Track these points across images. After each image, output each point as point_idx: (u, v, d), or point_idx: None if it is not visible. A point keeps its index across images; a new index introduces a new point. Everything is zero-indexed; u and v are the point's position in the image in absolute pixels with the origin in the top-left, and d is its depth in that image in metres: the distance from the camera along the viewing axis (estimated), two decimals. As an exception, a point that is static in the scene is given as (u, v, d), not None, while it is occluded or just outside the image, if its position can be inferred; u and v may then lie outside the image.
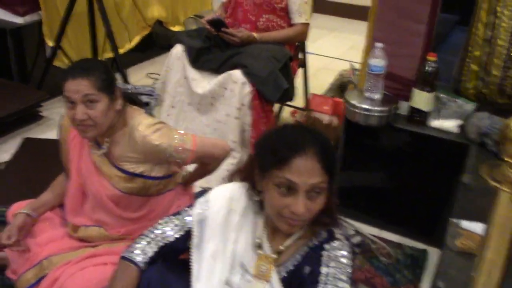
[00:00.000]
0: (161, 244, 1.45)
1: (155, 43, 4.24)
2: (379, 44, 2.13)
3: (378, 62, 2.13)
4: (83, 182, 1.82)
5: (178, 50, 2.68)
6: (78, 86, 1.59)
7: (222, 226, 1.43)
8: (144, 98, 3.15)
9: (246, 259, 1.41)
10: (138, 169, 1.74)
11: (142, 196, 1.79)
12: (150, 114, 1.96)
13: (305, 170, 1.24)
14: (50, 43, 3.24)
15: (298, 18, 2.73)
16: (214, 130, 2.62)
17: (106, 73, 1.68)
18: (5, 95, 3.01)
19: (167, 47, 4.30)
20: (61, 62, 3.32)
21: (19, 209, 1.87)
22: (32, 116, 3.13)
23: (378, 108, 2.14)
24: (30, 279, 1.75)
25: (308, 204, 1.26)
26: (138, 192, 1.77)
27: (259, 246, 1.40)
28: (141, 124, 1.71)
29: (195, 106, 2.67)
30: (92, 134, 1.67)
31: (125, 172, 1.74)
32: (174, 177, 1.89)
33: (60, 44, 3.17)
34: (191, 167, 1.91)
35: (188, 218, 1.46)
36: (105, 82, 1.65)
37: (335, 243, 1.35)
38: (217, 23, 2.63)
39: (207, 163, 1.87)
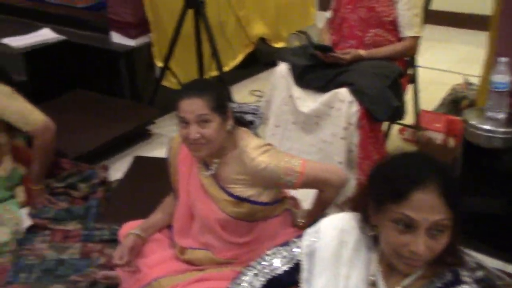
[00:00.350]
0: (268, 276, 1.39)
1: (258, 60, 4.26)
2: (503, 59, 1.94)
3: (502, 78, 1.95)
4: (191, 204, 1.83)
5: (282, 68, 2.64)
6: (193, 106, 1.62)
7: (333, 259, 1.34)
8: (249, 117, 3.18)
9: (359, 297, 1.31)
10: (246, 192, 1.72)
11: (249, 221, 1.77)
12: (255, 133, 1.94)
13: (426, 206, 1.12)
14: (159, 64, 3.36)
15: (407, 32, 2.59)
16: (319, 150, 2.54)
17: (220, 93, 1.72)
18: (119, 114, 3.16)
19: (270, 64, 4.33)
20: (169, 82, 3.43)
21: (129, 230, 1.92)
22: (142, 134, 3.25)
23: (503, 130, 1.96)
24: (140, 300, 1.79)
25: (430, 243, 1.14)
26: (245, 217, 1.75)
27: (373, 284, 1.30)
28: (250, 145, 1.70)
29: (300, 125, 2.61)
30: (205, 153, 1.69)
31: (233, 196, 1.72)
32: (282, 203, 1.85)
33: (168, 64, 3.27)
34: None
35: (296, 250, 1.39)
36: (218, 102, 1.67)
37: None
38: (324, 48, 2.57)
39: (321, 191, 1.79)
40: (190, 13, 3.12)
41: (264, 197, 1.74)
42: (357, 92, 2.38)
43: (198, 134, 1.64)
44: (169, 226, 1.97)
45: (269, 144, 1.75)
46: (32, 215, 2.47)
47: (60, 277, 2.16)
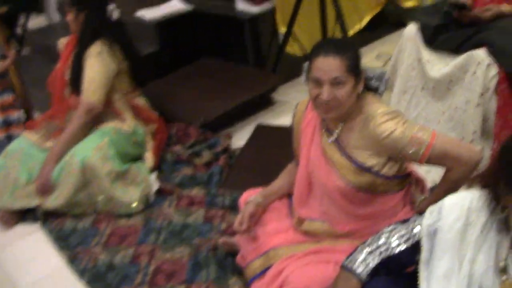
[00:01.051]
0: (384, 255, 1.31)
1: (386, 20, 4.01)
2: None
3: None
4: (311, 171, 1.78)
5: (411, 29, 2.44)
6: (330, 66, 1.55)
7: (457, 241, 1.22)
8: (373, 83, 3.01)
9: (486, 283, 1.18)
10: (370, 161, 1.62)
11: (369, 193, 1.67)
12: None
13: None
14: (282, 30, 3.31)
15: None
16: (451, 118, 2.33)
17: (357, 54, 1.62)
18: (242, 82, 3.18)
19: (399, 25, 4.06)
20: (292, 48, 3.37)
21: (250, 197, 1.93)
22: (265, 101, 3.25)
23: None
24: (257, 268, 1.80)
25: None
26: (365, 187, 1.66)
27: (503, 270, 1.16)
28: (377, 111, 1.60)
29: (429, 91, 2.41)
30: (334, 115, 1.62)
31: (355, 164, 1.64)
32: (405, 180, 1.72)
33: (291, 30, 3.20)
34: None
35: (416, 229, 1.29)
36: (354, 63, 1.58)
37: None
38: (460, 6, 2.31)
39: (449, 170, 1.61)
40: (314, -26, 3.00)
41: (387, 169, 1.63)
42: (497, 53, 2.12)
43: (331, 95, 1.55)
44: (289, 195, 1.95)
45: (398, 111, 1.63)
46: (160, 180, 2.61)
47: (185, 240, 2.27)
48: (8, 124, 2.96)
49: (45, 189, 2.46)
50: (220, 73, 3.34)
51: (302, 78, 3.26)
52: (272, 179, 2.40)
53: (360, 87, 1.63)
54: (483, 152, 1.61)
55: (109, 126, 2.58)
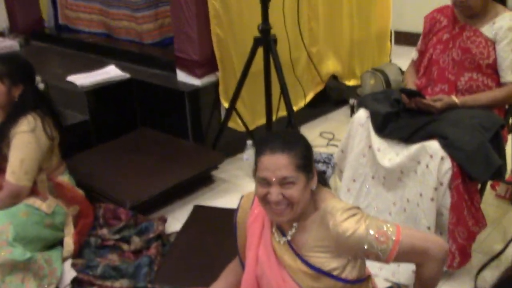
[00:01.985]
0: None
1: (328, 98, 3.98)
2: None
3: None
4: (260, 275, 1.57)
5: (361, 115, 2.35)
6: (277, 165, 1.40)
7: None
8: (320, 166, 2.90)
9: None
10: (328, 265, 1.45)
11: None
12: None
13: None
14: (225, 104, 3.16)
15: (510, 76, 2.23)
16: (403, 210, 2.21)
17: (307, 148, 1.47)
18: (181, 158, 2.95)
19: (341, 103, 4.05)
20: (234, 123, 3.22)
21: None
22: (204, 179, 3.03)
23: None
24: None
25: None
26: None
27: None
28: (334, 208, 1.45)
29: (380, 180, 2.29)
30: (288, 218, 1.45)
31: (312, 268, 1.45)
32: (367, 283, 1.55)
33: (234, 105, 3.06)
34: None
35: None
36: (305, 160, 1.43)
37: None
38: (410, 93, 2.27)
39: (419, 266, 1.50)
40: (260, 50, 2.90)
41: (348, 273, 1.46)
42: (450, 147, 2.04)
43: (280, 195, 1.41)
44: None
45: (356, 208, 1.48)
46: (77, 269, 2.29)
47: None
48: None
49: None
50: (157, 146, 3.11)
51: (244, 155, 3.11)
52: (212, 272, 2.15)
53: (313, 184, 1.49)
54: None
55: (21, 204, 2.26)
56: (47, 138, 2.30)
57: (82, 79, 3.32)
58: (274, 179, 1.41)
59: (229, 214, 2.64)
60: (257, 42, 2.88)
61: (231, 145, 3.26)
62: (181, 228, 2.57)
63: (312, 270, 1.46)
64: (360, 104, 2.40)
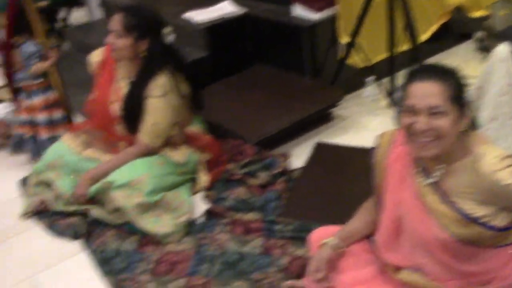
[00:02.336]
0: None
1: (452, 31, 3.72)
2: None
3: None
4: (400, 216, 1.54)
5: (503, 50, 2.17)
6: (427, 93, 1.34)
7: None
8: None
9: None
10: (478, 211, 1.38)
11: (477, 247, 1.42)
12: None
13: None
14: (344, 40, 3.06)
15: None
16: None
17: (461, 81, 1.38)
18: (300, 95, 2.93)
19: (465, 36, 3.78)
20: (354, 59, 3.12)
21: (323, 239, 1.69)
22: (323, 116, 3.00)
23: None
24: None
25: None
26: (471, 241, 1.41)
27: None
28: (489, 155, 1.35)
29: (522, 119, 2.14)
30: (433, 152, 1.38)
31: (461, 213, 1.39)
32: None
33: (355, 40, 2.95)
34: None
35: None
36: (459, 92, 1.36)
37: None
38: None
39: None
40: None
41: (499, 221, 1.38)
42: None
43: (427, 124, 1.35)
44: (367, 237, 1.71)
45: None
46: (209, 201, 2.40)
47: (242, 273, 2.05)
48: (52, 123, 2.81)
49: (81, 202, 2.34)
50: (275, 83, 3.10)
51: (364, 92, 3.04)
52: (338, 209, 2.17)
53: (465, 123, 1.39)
54: None
55: (157, 155, 2.36)
56: (179, 98, 2.31)
57: (199, 15, 3.34)
58: (422, 107, 1.34)
59: (352, 152, 2.64)
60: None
61: (350, 82, 3.18)
62: (304, 165, 2.59)
63: (460, 216, 1.40)
64: (502, 37, 2.21)
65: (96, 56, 2.49)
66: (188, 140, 2.49)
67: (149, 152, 2.34)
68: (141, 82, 2.27)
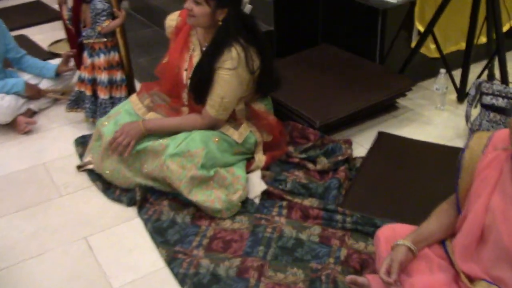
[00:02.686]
0: None
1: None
2: None
3: None
4: (489, 223, 1.44)
5: None
6: None
7: None
8: (501, 102, 2.59)
9: None
10: None
11: None
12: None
13: None
14: (420, 27, 2.91)
15: None
16: None
17: None
18: (367, 80, 2.82)
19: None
20: (426, 48, 2.98)
21: (393, 237, 1.62)
22: (387, 105, 2.89)
23: None
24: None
25: None
26: None
27: None
28: None
29: None
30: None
31: None
32: None
33: (432, 28, 2.81)
34: None
35: None
36: None
37: None
38: None
39: None
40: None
41: None
42: None
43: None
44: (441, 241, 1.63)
45: None
46: (266, 181, 2.33)
47: (299, 260, 2.00)
48: (111, 84, 2.78)
49: (121, 152, 2.28)
50: (342, 65, 2.99)
51: (434, 85, 2.89)
52: (402, 205, 2.10)
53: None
54: None
55: (216, 131, 2.30)
56: (249, 73, 2.23)
57: (269, -13, 3.23)
58: None
59: (418, 146, 2.54)
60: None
61: (418, 71, 3.05)
62: (366, 154, 2.51)
63: None
64: None
65: (171, 20, 2.43)
66: (251, 117, 2.42)
67: (214, 125, 2.29)
68: (214, 52, 2.20)
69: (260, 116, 2.42)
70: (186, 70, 2.33)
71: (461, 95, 2.89)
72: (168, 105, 2.45)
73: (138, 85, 2.86)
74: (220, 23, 2.19)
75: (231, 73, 2.19)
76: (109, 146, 2.28)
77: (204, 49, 2.28)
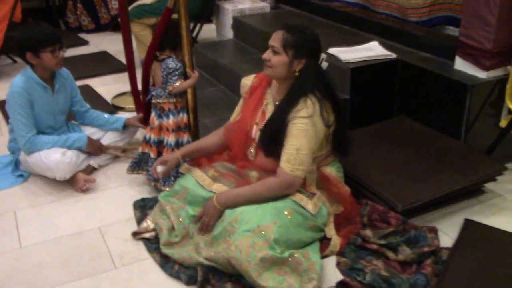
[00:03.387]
0: None
1: None
2: None
3: None
4: None
5: None
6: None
7: None
8: None
9: None
10: None
11: None
12: None
13: None
14: (511, 106, 2.67)
15: None
16: None
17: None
18: (455, 161, 2.55)
19: None
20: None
21: None
22: (474, 190, 2.61)
23: None
24: None
25: None
26: None
27: None
28: None
29: None
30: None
31: None
32: None
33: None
34: None
35: None
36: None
37: None
38: None
39: None
40: None
41: None
42: None
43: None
44: None
45: None
46: (341, 270, 2.09)
47: None
48: (178, 147, 2.64)
49: (206, 231, 2.16)
50: (423, 141, 2.76)
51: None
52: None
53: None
54: None
55: (289, 200, 2.11)
56: (323, 124, 2.12)
57: (346, 53, 3.09)
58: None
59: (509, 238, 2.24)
60: None
61: (507, 151, 2.78)
62: (453, 246, 2.22)
63: None
64: None
65: (247, 80, 2.40)
66: (321, 183, 2.24)
67: (291, 184, 2.09)
68: (288, 102, 2.12)
69: (331, 183, 2.24)
70: (257, 124, 2.24)
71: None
72: (235, 173, 2.29)
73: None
74: (296, 73, 2.13)
75: (306, 122, 2.07)
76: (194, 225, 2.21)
77: (277, 103, 2.21)
